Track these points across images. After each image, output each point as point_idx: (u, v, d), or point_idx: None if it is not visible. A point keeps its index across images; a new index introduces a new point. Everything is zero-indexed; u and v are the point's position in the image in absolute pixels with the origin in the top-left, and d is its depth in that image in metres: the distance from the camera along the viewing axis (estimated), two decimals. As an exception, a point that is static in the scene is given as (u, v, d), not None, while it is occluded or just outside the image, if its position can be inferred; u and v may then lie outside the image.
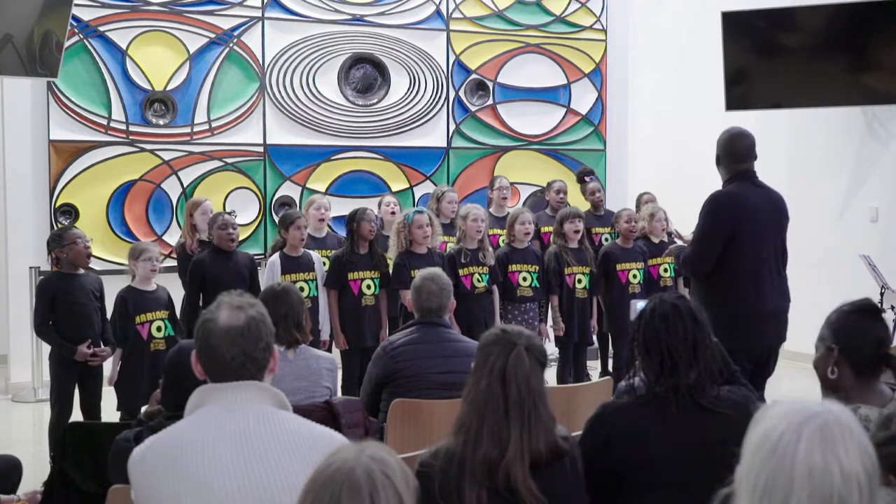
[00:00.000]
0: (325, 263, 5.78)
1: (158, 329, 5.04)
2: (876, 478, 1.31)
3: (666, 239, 6.57)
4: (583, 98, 9.02)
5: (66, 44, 6.49)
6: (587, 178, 7.32)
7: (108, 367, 5.17)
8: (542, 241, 6.64)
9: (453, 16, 8.49)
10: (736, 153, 4.22)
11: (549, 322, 6.21)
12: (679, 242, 6.30)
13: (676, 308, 2.40)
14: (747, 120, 7.80)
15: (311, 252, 5.73)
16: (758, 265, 4.11)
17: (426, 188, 8.03)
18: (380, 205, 6.73)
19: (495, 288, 5.82)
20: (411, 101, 8.34)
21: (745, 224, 4.09)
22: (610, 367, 6.66)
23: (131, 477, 2.01)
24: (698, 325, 2.39)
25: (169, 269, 6.05)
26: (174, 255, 7.08)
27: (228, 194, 7.61)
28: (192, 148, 7.57)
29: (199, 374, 2.08)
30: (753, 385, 4.11)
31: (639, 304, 4.78)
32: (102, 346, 5.04)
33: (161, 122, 7.47)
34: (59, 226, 6.77)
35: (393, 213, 6.52)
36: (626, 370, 5.66)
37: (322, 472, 1.44)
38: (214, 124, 7.63)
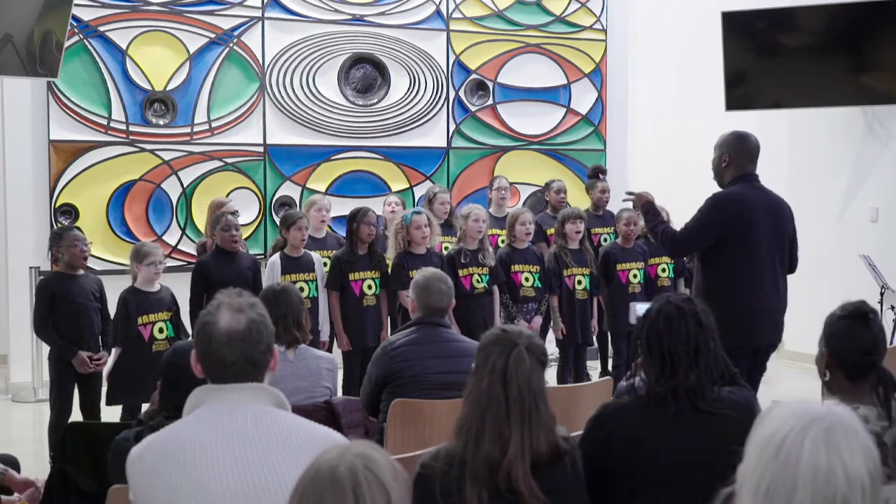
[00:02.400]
0: (325, 264, 5.78)
1: (160, 330, 5.02)
2: (879, 480, 1.32)
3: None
4: (583, 98, 9.02)
5: (66, 44, 6.49)
6: (601, 175, 7.30)
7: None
8: (549, 242, 6.60)
9: (453, 16, 8.48)
10: (750, 152, 4.24)
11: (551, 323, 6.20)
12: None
13: (681, 310, 2.39)
14: (747, 120, 7.80)
15: (311, 253, 5.73)
16: (756, 264, 4.13)
17: (426, 188, 8.02)
18: (384, 204, 6.75)
19: (495, 288, 5.82)
20: (411, 101, 8.34)
21: (744, 224, 4.11)
22: (610, 367, 6.66)
23: (129, 476, 2.00)
24: (701, 329, 2.38)
25: (171, 269, 6.07)
26: (176, 256, 7.11)
27: (228, 194, 7.59)
28: (192, 148, 7.57)
29: (198, 374, 2.06)
30: (749, 384, 4.15)
31: (638, 307, 4.78)
32: (101, 351, 5.04)
33: (161, 122, 7.47)
34: (60, 226, 6.77)
35: (393, 212, 6.53)
36: (624, 370, 5.67)
37: (307, 472, 1.44)
38: (214, 124, 7.62)
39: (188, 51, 7.54)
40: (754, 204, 4.15)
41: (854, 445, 1.31)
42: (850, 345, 2.38)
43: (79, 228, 5.38)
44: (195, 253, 6.65)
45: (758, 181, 4.27)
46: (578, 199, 7.55)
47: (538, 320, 6.02)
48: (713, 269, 4.17)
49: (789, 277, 4.40)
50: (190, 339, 2.37)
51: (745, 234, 4.11)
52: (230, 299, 2.06)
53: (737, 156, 4.23)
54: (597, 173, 7.45)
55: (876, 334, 2.41)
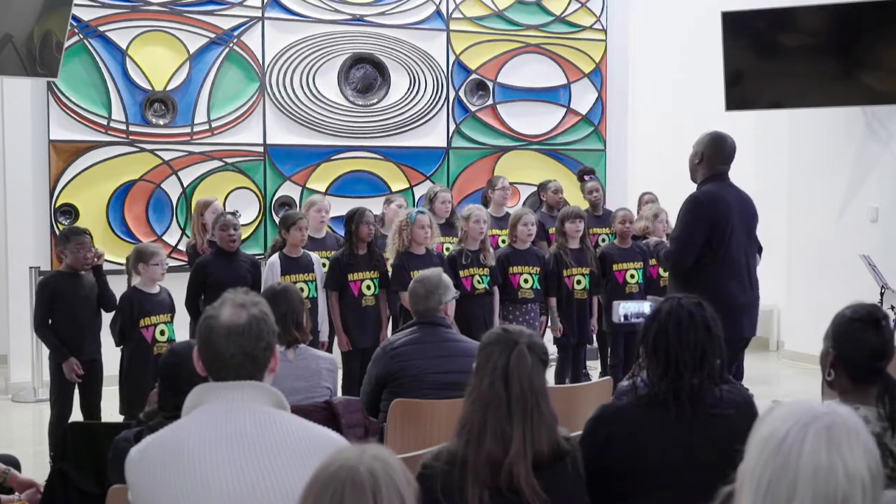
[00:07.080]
0: (324, 264, 5.77)
1: (162, 332, 5.00)
2: (879, 479, 1.32)
3: (665, 239, 6.55)
4: (583, 98, 9.01)
5: (66, 44, 6.49)
6: (587, 178, 7.32)
7: (107, 366, 5.20)
8: (549, 241, 6.59)
9: (453, 16, 8.48)
10: (723, 153, 4.38)
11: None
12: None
13: (692, 316, 2.38)
14: (747, 120, 7.82)
15: (310, 253, 5.72)
16: (735, 260, 4.30)
17: (426, 188, 8.01)
18: (387, 202, 6.71)
19: (495, 289, 5.81)
20: (411, 101, 8.33)
21: (724, 222, 4.27)
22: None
23: (128, 477, 2.00)
24: (710, 336, 2.38)
25: (171, 270, 6.05)
26: (176, 256, 7.08)
27: (228, 194, 7.60)
28: (192, 148, 7.56)
29: (199, 371, 2.07)
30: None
31: (622, 306, 4.80)
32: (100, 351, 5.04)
33: (161, 122, 7.46)
34: (60, 226, 6.77)
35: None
36: (623, 370, 5.67)
37: (324, 470, 1.44)
38: (214, 124, 7.62)
39: (188, 51, 7.53)
40: (729, 201, 4.32)
41: (855, 444, 1.31)
42: (858, 348, 2.36)
43: (88, 233, 5.14)
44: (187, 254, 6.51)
45: (728, 180, 4.41)
46: (577, 200, 7.55)
47: (544, 319, 6.07)
48: (695, 265, 4.29)
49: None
50: (187, 339, 2.37)
51: (722, 231, 4.26)
52: (235, 296, 2.08)
53: (709, 155, 4.37)
54: (582, 175, 7.48)
55: (886, 340, 2.39)
